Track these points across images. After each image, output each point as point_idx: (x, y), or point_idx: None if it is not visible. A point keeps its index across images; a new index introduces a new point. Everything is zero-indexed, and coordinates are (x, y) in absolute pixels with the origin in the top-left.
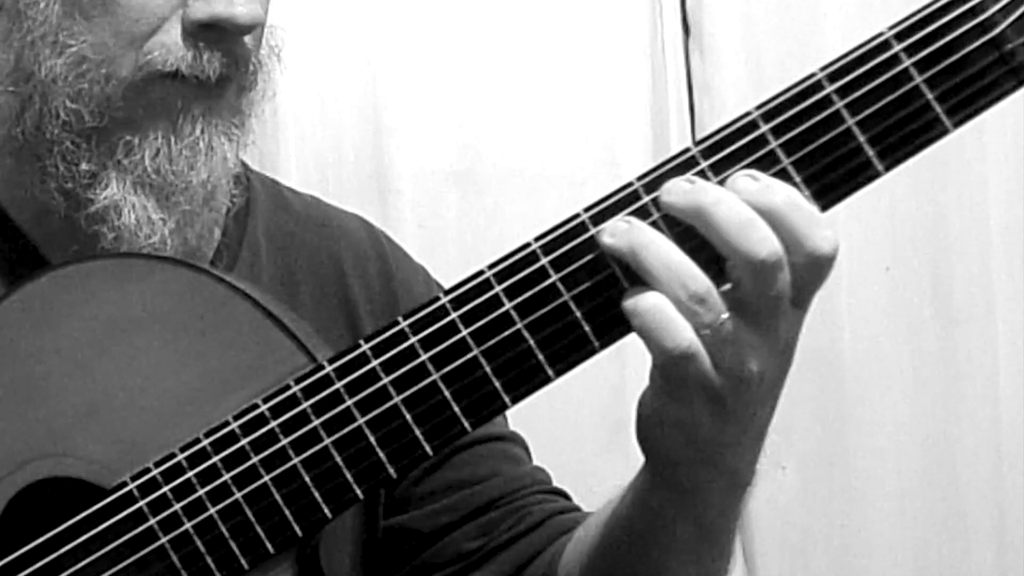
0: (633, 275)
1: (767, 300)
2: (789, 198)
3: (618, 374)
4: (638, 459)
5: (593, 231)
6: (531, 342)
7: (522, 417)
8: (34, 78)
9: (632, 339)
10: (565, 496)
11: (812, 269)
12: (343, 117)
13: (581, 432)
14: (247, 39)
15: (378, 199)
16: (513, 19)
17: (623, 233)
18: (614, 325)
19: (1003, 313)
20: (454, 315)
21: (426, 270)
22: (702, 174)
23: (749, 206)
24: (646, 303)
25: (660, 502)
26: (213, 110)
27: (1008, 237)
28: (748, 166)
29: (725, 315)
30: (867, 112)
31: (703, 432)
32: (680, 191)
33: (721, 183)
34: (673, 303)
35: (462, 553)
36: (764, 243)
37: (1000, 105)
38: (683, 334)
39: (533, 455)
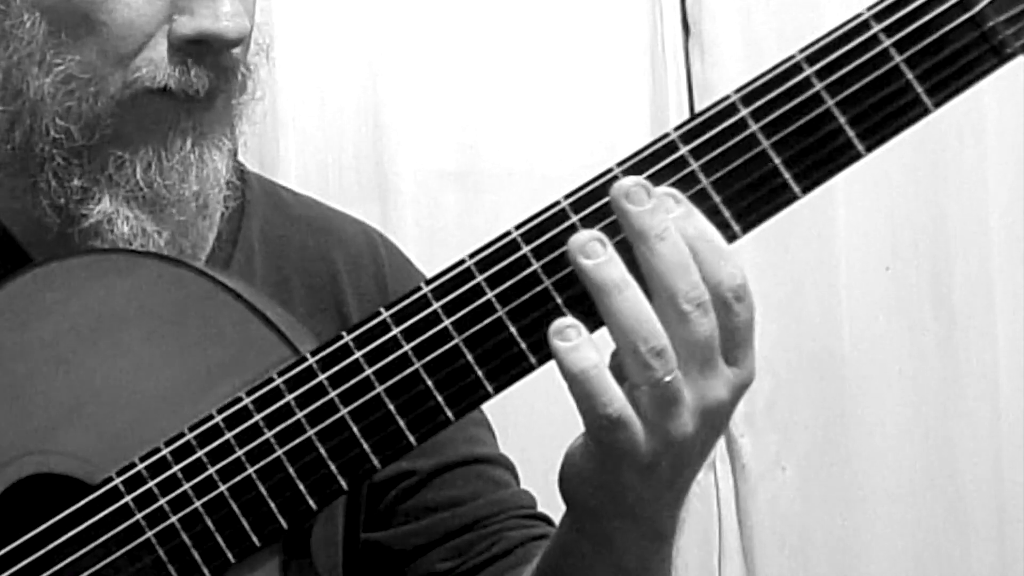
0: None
1: (688, 348)
2: (702, 230)
3: None
4: None
5: (574, 219)
6: (512, 330)
7: (521, 417)
8: (22, 96)
9: None
10: (548, 521)
11: (721, 307)
12: (343, 117)
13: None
14: (235, 50)
15: (378, 199)
16: (513, 19)
17: (598, 267)
18: (595, 310)
19: (1003, 313)
20: (436, 305)
21: (424, 277)
22: (682, 160)
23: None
24: (585, 364)
25: (580, 549)
26: (203, 123)
27: (1008, 237)
28: (673, 184)
29: (673, 374)
30: (847, 93)
31: (627, 491)
32: (640, 203)
33: None
34: (628, 354)
35: (434, 573)
36: (693, 288)
37: (1000, 105)
38: (616, 402)
39: (531, 455)
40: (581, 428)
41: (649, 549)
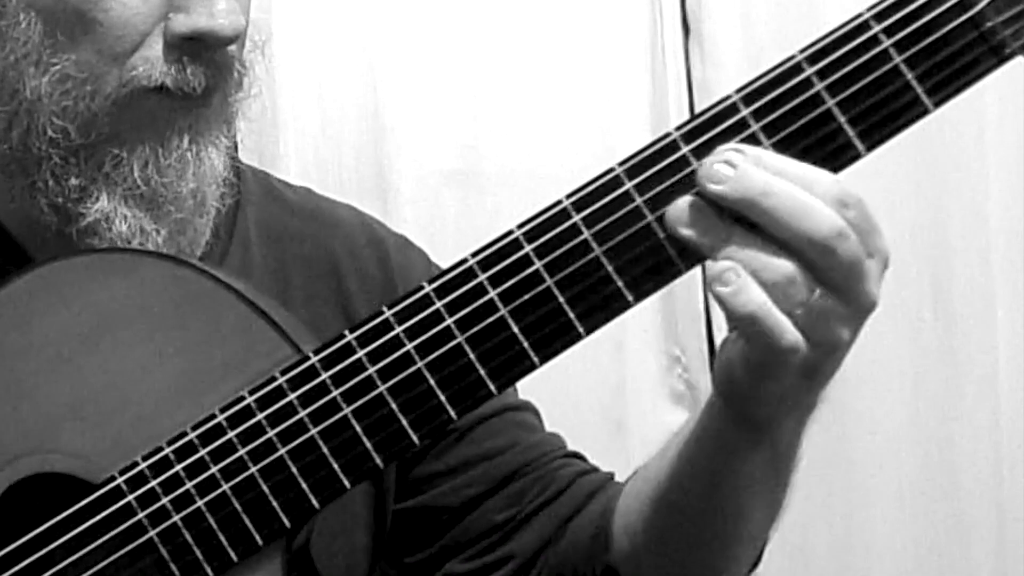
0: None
1: (839, 271)
2: (780, 169)
3: (618, 374)
4: (638, 459)
5: (576, 218)
6: (515, 329)
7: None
8: (19, 95)
9: (632, 338)
10: (582, 458)
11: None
12: (343, 117)
13: (581, 432)
14: (231, 47)
15: (378, 199)
16: (513, 19)
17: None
18: (598, 310)
19: (1003, 313)
20: (438, 304)
21: (425, 253)
22: (684, 159)
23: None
24: (752, 307)
25: (734, 437)
26: (200, 121)
27: (1008, 237)
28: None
29: (816, 292)
30: (847, 93)
31: (793, 392)
32: (726, 179)
33: None
34: (768, 290)
35: (493, 525)
36: (824, 222)
37: (1000, 105)
38: (788, 332)
39: None
40: (579, 422)
41: (800, 429)
